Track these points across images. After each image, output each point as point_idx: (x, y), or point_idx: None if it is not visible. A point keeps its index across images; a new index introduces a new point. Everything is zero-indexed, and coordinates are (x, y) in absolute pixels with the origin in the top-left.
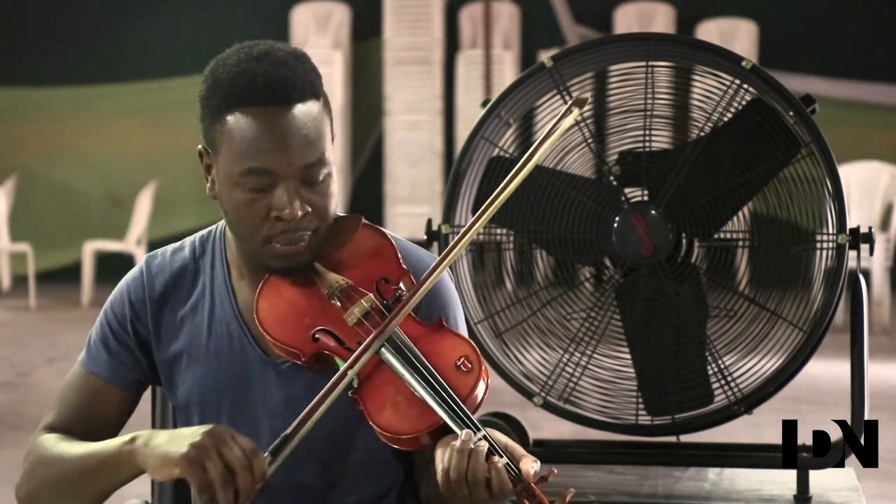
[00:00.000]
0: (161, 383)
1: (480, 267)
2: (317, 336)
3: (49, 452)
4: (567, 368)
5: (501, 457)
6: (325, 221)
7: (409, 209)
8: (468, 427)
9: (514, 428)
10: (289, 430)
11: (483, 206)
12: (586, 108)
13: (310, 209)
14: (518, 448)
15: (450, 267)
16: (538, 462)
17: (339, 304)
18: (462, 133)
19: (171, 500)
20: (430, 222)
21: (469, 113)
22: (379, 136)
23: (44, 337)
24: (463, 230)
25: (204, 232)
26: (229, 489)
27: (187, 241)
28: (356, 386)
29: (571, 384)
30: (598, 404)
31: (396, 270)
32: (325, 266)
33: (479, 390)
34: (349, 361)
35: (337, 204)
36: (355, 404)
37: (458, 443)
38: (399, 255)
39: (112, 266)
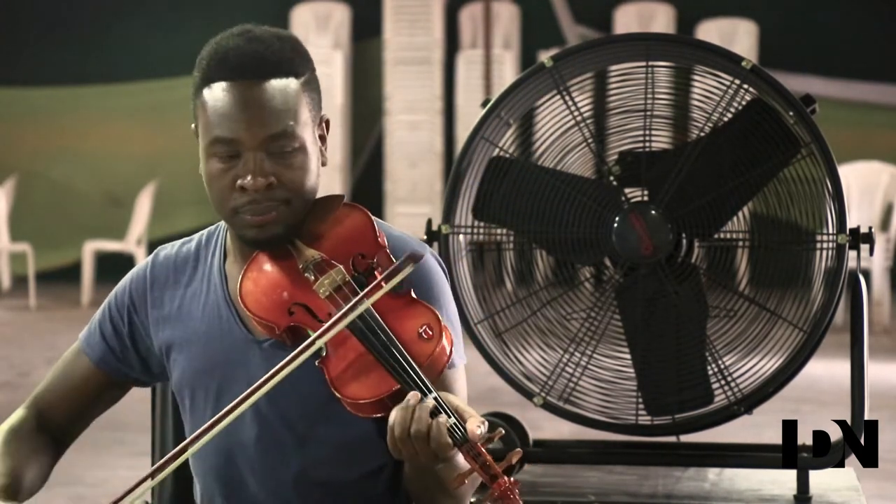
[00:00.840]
0: (153, 380)
1: (480, 267)
2: (292, 310)
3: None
4: (567, 368)
5: (449, 416)
6: (296, 194)
7: (409, 209)
8: (421, 390)
9: (514, 428)
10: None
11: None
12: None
13: (275, 181)
14: (468, 410)
15: (450, 267)
16: (485, 423)
17: (312, 277)
18: (462, 133)
19: (171, 500)
20: (430, 222)
21: (469, 113)
22: (379, 136)
23: (44, 337)
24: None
25: (213, 225)
26: None
27: (198, 234)
28: (324, 355)
29: (571, 384)
30: (598, 404)
31: (373, 246)
32: (305, 243)
33: (440, 355)
34: (309, 340)
35: (315, 180)
36: (321, 373)
37: (403, 402)
38: (377, 232)
39: (112, 266)
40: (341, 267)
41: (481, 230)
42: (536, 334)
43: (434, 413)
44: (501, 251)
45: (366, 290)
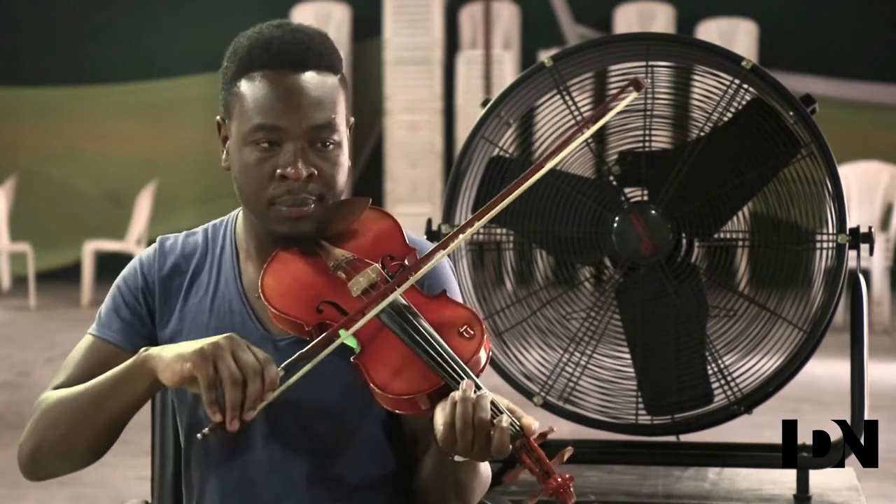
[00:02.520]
0: None
1: (480, 267)
2: (321, 308)
3: (58, 396)
4: (567, 368)
5: (503, 413)
6: (331, 190)
7: (409, 209)
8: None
9: None
10: (305, 350)
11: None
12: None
13: (315, 172)
14: (517, 408)
15: (449, 266)
16: (537, 422)
17: (344, 275)
18: (462, 133)
19: (171, 500)
20: (430, 222)
21: (469, 113)
22: (379, 136)
23: (44, 337)
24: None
25: (218, 220)
26: (237, 391)
27: (202, 227)
28: (358, 351)
29: (571, 384)
30: (598, 404)
31: (402, 248)
32: (332, 243)
33: (481, 356)
34: (346, 319)
35: (345, 179)
36: (356, 370)
37: (459, 392)
38: (405, 235)
39: (112, 266)
40: (377, 265)
41: (481, 230)
42: (536, 334)
43: (491, 412)
44: (501, 251)
45: (409, 268)
